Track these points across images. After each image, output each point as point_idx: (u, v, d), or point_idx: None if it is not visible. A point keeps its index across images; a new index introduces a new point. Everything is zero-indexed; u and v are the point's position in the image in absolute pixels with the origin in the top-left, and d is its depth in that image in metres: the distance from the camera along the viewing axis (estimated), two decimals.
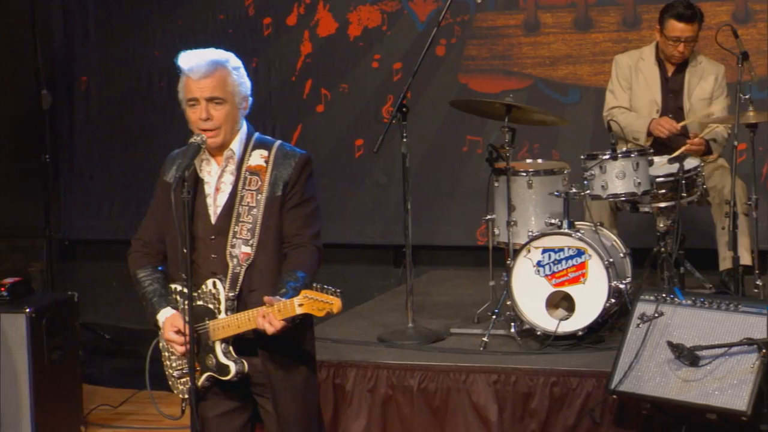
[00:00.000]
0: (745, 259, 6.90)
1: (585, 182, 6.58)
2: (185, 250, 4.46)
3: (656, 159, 6.64)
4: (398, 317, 7.21)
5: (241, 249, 4.54)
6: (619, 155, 6.50)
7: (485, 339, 6.52)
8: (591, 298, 6.38)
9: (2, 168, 9.50)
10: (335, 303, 4.30)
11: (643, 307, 5.68)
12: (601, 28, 8.39)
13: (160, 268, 4.74)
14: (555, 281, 6.44)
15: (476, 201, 8.58)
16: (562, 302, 6.57)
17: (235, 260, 4.54)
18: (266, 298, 4.40)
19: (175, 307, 4.64)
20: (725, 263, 6.99)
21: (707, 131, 7.01)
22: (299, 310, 4.33)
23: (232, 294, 4.53)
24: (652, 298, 5.67)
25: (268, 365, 4.58)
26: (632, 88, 7.24)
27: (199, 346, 4.54)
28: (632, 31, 8.32)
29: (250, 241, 4.53)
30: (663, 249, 6.78)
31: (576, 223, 6.60)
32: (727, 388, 5.31)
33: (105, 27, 9.44)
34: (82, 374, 7.10)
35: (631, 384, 5.58)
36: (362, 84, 8.89)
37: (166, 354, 4.73)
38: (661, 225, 6.77)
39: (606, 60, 8.35)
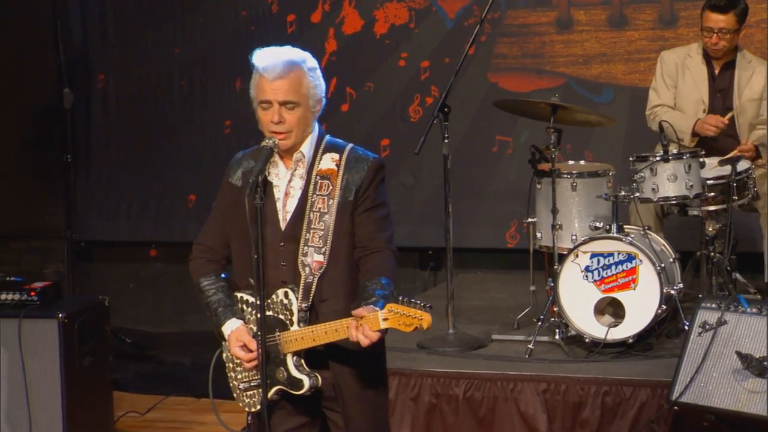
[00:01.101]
0: None
1: (634, 185, 6.39)
2: (256, 257, 4.27)
3: (707, 161, 6.46)
4: (435, 322, 7.00)
5: (313, 257, 4.35)
6: (671, 157, 6.31)
7: (531, 346, 6.34)
8: (642, 305, 6.21)
9: (23, 168, 9.27)
10: (425, 318, 4.11)
11: (705, 315, 5.50)
12: (637, 25, 8.20)
13: (223, 275, 4.55)
14: (604, 287, 6.27)
15: (506, 202, 8.44)
16: (607, 308, 6.40)
17: (307, 269, 4.35)
18: (358, 311, 4.20)
19: (241, 318, 4.45)
20: None
21: (756, 136, 6.84)
22: (383, 325, 4.14)
23: (305, 305, 4.35)
24: (714, 305, 5.49)
25: (340, 379, 4.40)
26: (678, 87, 7.06)
27: (268, 359, 4.35)
28: (669, 29, 8.14)
29: (323, 249, 4.35)
30: (713, 253, 6.60)
31: (624, 226, 6.41)
32: None
33: (123, 24, 9.22)
34: (112, 380, 6.90)
35: (694, 395, 5.41)
36: (388, 82, 8.69)
37: (231, 365, 4.55)
38: (710, 229, 6.60)
39: (641, 59, 8.20)
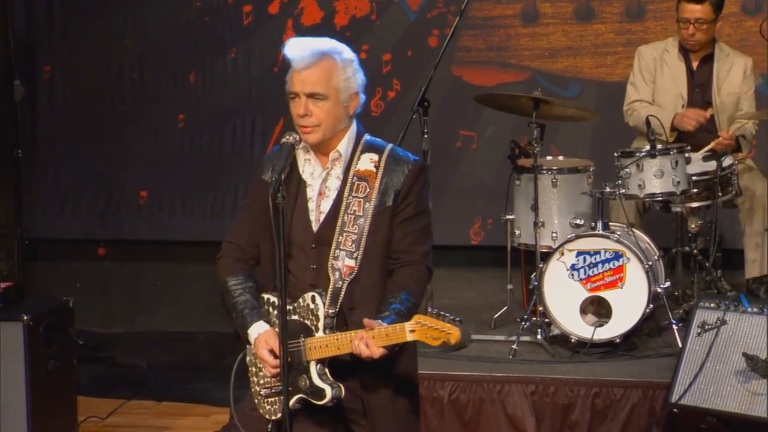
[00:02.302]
0: None
1: (619, 181, 6.25)
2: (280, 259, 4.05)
3: (692, 156, 6.35)
4: None
5: (344, 262, 4.12)
6: (657, 153, 6.18)
7: (515, 347, 6.18)
8: (629, 304, 6.08)
9: None
10: (453, 332, 3.92)
11: (704, 315, 5.39)
12: (604, 18, 8.09)
13: (251, 276, 4.33)
14: (590, 285, 6.14)
15: (470, 199, 8.28)
16: (589, 307, 6.26)
17: (337, 273, 4.12)
18: (366, 321, 4.01)
19: (268, 321, 4.23)
20: (752, 270, 6.71)
21: (735, 127, 6.73)
22: (410, 337, 3.94)
23: (332, 311, 4.12)
24: (713, 305, 5.38)
25: (367, 391, 4.19)
26: (656, 82, 6.93)
27: (291, 366, 4.12)
28: (636, 23, 8.03)
29: (355, 254, 4.12)
30: (696, 251, 6.49)
31: (610, 223, 6.28)
32: None
33: (71, 13, 8.89)
34: (77, 384, 6.63)
35: (694, 397, 5.30)
36: None
37: (254, 369, 4.34)
38: (693, 225, 6.49)
39: (608, 52, 8.10)
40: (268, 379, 4.24)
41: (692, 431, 5.51)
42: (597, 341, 6.10)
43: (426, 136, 6.33)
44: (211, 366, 8.03)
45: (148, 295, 8.92)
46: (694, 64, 6.94)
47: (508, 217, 6.61)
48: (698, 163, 6.40)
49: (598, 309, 6.22)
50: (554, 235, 6.44)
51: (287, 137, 4.15)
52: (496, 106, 6.81)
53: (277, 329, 4.18)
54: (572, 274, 6.13)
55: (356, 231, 4.12)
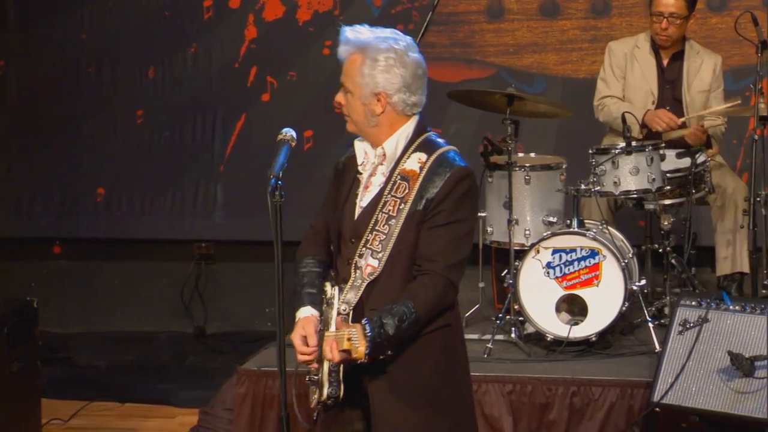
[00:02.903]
0: (745, 266, 6.64)
1: (594, 178, 6.20)
2: (333, 248, 4.07)
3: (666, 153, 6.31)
4: None
5: (367, 260, 3.99)
6: (633, 149, 6.13)
7: (490, 345, 6.12)
8: (605, 302, 6.04)
9: None
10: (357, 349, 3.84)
11: (685, 313, 5.35)
12: (569, 15, 8.04)
13: (322, 262, 4.21)
14: (566, 284, 6.09)
15: None
16: (561, 305, 6.20)
17: (358, 272, 4.00)
18: (337, 320, 3.92)
19: (318, 309, 4.09)
20: (724, 268, 6.68)
21: (708, 124, 6.71)
22: (347, 345, 3.85)
23: (344, 308, 3.99)
24: (694, 303, 5.33)
25: (373, 397, 4.05)
26: (626, 78, 6.89)
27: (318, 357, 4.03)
28: (601, 19, 7.99)
29: (379, 254, 3.98)
30: (669, 248, 6.46)
31: (585, 221, 6.23)
32: None
33: (26, 7, 8.71)
34: (41, 386, 6.48)
35: (677, 396, 5.25)
36: (312, 72, 8.36)
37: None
38: (665, 223, 6.44)
39: (573, 48, 8.05)
40: (311, 368, 4.11)
41: (673, 430, 5.45)
42: (573, 339, 6.04)
43: None
44: (173, 366, 7.92)
45: (106, 295, 8.77)
46: (665, 61, 6.90)
47: (480, 214, 6.53)
48: (672, 160, 6.37)
49: (571, 307, 6.16)
50: (527, 232, 6.38)
51: (283, 134, 4.05)
52: (469, 103, 6.73)
53: (321, 317, 4.07)
54: (548, 272, 6.08)
55: (386, 231, 3.97)
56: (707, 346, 5.23)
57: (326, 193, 4.31)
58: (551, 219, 6.36)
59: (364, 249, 4.00)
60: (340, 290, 4.02)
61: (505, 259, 6.40)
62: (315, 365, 4.07)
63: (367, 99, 3.99)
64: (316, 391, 4.07)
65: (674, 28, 6.74)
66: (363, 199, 4.07)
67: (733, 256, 6.64)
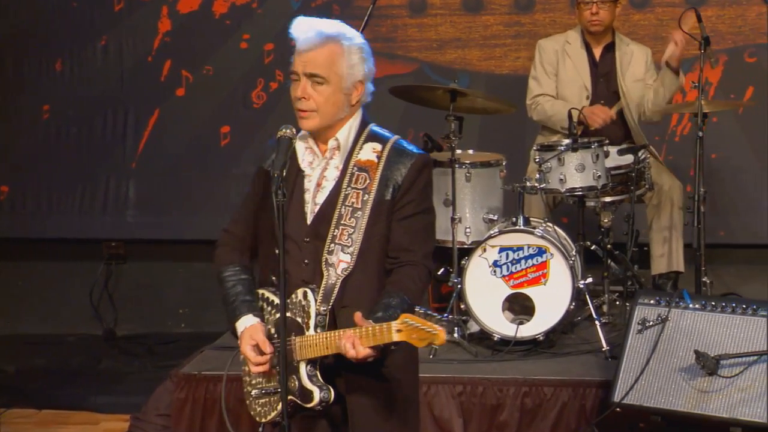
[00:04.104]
0: (681, 265, 6.63)
1: (539, 175, 6.12)
2: (277, 251, 3.83)
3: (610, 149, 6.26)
4: None
5: (338, 257, 3.87)
6: (579, 146, 6.06)
7: (435, 346, 5.99)
8: (552, 300, 5.97)
9: None
10: (439, 333, 3.69)
11: (643, 312, 5.28)
12: (492, 10, 7.95)
13: (247, 268, 4.07)
14: (513, 282, 6.00)
15: None
16: (505, 304, 6.11)
17: (331, 269, 3.87)
18: (357, 318, 3.77)
19: (259, 316, 3.96)
20: (659, 266, 6.66)
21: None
22: (396, 337, 3.69)
23: (324, 308, 3.87)
24: (652, 301, 5.27)
25: (351, 395, 3.93)
26: (559, 75, 6.82)
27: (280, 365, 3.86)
28: (525, 14, 7.92)
29: (350, 249, 3.87)
30: (609, 245, 6.41)
31: (531, 219, 6.15)
32: (753, 398, 4.97)
33: None
34: None
35: (638, 396, 5.18)
36: (229, 66, 8.15)
37: (245, 369, 4.05)
38: (606, 220, 6.42)
39: (497, 44, 7.97)
40: (260, 379, 3.97)
41: (631, 430, 5.40)
42: (520, 339, 5.95)
43: None
44: (87, 370, 7.64)
45: (10, 296, 8.45)
46: (597, 55, 6.86)
47: None
48: (614, 157, 6.32)
49: (516, 306, 6.08)
50: (468, 231, 6.29)
51: (284, 130, 3.88)
52: (410, 99, 6.60)
53: (268, 326, 3.97)
54: (495, 271, 5.98)
55: (353, 224, 3.88)
56: (668, 345, 5.17)
57: (245, 198, 4.17)
58: (491, 217, 6.28)
59: (332, 245, 3.90)
60: (313, 291, 3.88)
61: (443, 258, 6.28)
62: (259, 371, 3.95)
63: (350, 89, 3.91)
64: (267, 404, 3.94)
65: (605, 12, 6.72)
66: (317, 197, 3.97)
67: (669, 254, 6.62)
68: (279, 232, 3.72)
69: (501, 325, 5.99)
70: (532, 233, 5.96)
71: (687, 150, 7.72)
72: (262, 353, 3.91)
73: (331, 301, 3.88)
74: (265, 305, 4.00)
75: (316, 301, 3.87)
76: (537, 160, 6.12)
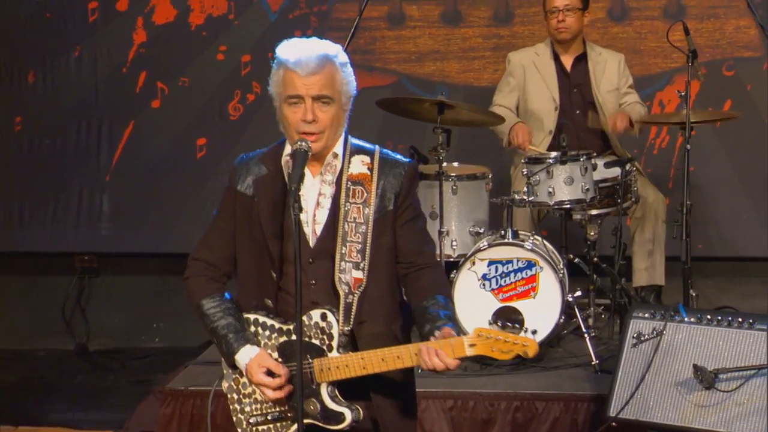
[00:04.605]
0: (661, 278, 6.63)
1: (527, 188, 6.08)
2: (274, 274, 3.83)
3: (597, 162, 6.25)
4: None
5: (351, 274, 3.84)
6: (568, 159, 6.04)
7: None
8: (542, 314, 5.92)
9: None
10: (530, 344, 3.66)
11: (638, 326, 5.24)
12: (471, 22, 7.93)
13: (227, 295, 3.99)
14: (502, 296, 5.96)
15: None
16: (493, 316, 6.06)
17: (346, 287, 3.83)
18: (446, 332, 3.77)
19: (256, 344, 3.89)
20: (641, 279, 6.64)
21: (625, 106, 6.69)
22: (470, 352, 3.67)
23: (347, 328, 3.84)
24: (647, 315, 5.24)
25: (380, 411, 3.91)
26: (527, 88, 6.80)
27: (295, 390, 3.80)
28: (504, 27, 7.91)
29: (361, 264, 3.85)
30: (596, 258, 6.39)
31: (519, 232, 6.12)
32: (751, 413, 4.94)
33: None
34: None
35: (634, 410, 5.14)
36: (205, 77, 8.09)
37: (236, 396, 3.98)
38: (592, 233, 6.38)
39: (476, 57, 7.96)
40: (258, 406, 3.90)
41: None
42: None
43: None
44: (62, 386, 7.52)
45: None
46: (568, 66, 6.84)
47: None
48: (600, 170, 6.30)
49: (505, 320, 6.03)
50: (454, 244, 6.26)
51: (299, 144, 3.81)
52: (396, 111, 6.53)
53: (268, 351, 3.93)
54: (484, 284, 5.94)
55: (359, 240, 3.87)
56: (664, 359, 5.14)
57: (214, 222, 4.09)
58: (478, 230, 6.24)
59: (343, 263, 3.87)
60: (332, 312, 3.84)
61: None
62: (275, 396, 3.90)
63: (346, 104, 3.95)
64: (273, 429, 3.90)
65: (571, 20, 6.72)
66: (318, 216, 3.94)
67: (651, 267, 6.61)
68: (297, 249, 3.65)
69: None
70: (521, 246, 5.93)
71: (665, 163, 7.76)
72: (274, 375, 3.86)
73: (351, 319, 3.86)
74: (260, 330, 3.94)
75: (338, 321, 3.83)
76: (525, 172, 6.09)
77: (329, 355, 3.83)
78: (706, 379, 4.98)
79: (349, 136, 4.00)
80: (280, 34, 7.78)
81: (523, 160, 6.19)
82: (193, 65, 8.07)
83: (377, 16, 7.99)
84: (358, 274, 3.86)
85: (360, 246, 3.86)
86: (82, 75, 8.14)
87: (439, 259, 4.06)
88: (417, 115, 6.37)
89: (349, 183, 3.91)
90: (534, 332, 3.81)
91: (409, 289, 3.94)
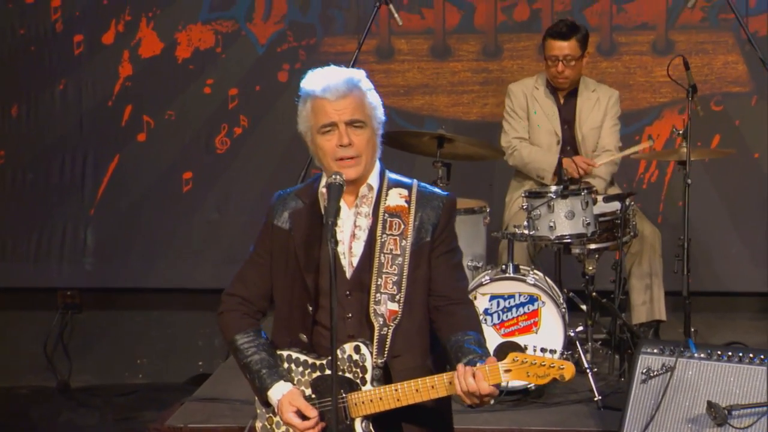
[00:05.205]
0: (663, 313, 6.60)
1: (527, 222, 6.05)
2: (310, 308, 3.79)
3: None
4: None
5: (387, 306, 3.78)
6: (569, 193, 6.01)
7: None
8: (544, 349, 5.86)
9: None
10: (567, 368, 3.59)
11: (647, 361, 5.20)
12: (460, 56, 7.91)
13: (261, 332, 3.96)
14: (504, 331, 5.91)
15: None
16: (494, 352, 6.00)
17: (381, 320, 3.78)
18: (490, 360, 3.73)
19: (289, 380, 3.82)
20: (640, 314, 6.61)
21: (604, 160, 6.67)
22: (506, 377, 3.62)
23: (381, 361, 3.78)
24: (656, 350, 5.20)
25: None
26: (530, 119, 6.78)
27: (329, 426, 3.75)
28: (493, 61, 7.89)
29: (397, 297, 3.80)
30: (594, 293, 6.36)
31: (520, 267, 6.08)
32: None
33: None
34: None
35: None
36: (192, 111, 8.02)
37: None
38: (590, 268, 6.35)
39: (464, 91, 7.95)
40: None
41: None
42: (512, 389, 5.85)
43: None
44: (46, 424, 7.43)
45: None
46: (561, 101, 6.83)
47: None
48: (600, 204, 6.27)
49: (504, 355, 5.96)
50: None
51: (334, 177, 3.76)
52: (395, 145, 6.47)
53: (301, 388, 3.86)
54: (485, 319, 5.89)
55: (395, 272, 3.81)
56: (674, 396, 5.10)
57: (251, 257, 4.02)
58: (476, 264, 6.20)
59: (378, 296, 3.82)
60: (366, 345, 3.79)
61: None
62: None
63: (379, 129, 3.93)
64: None
65: (570, 70, 6.69)
66: (354, 248, 3.90)
67: (650, 302, 6.58)
68: (332, 283, 3.60)
69: None
70: (524, 281, 5.89)
71: (655, 197, 7.76)
72: (305, 418, 3.80)
73: (385, 352, 3.80)
74: (293, 366, 3.90)
75: (372, 354, 3.77)
76: (525, 206, 6.05)
77: (363, 388, 3.77)
78: (720, 415, 4.94)
79: (386, 170, 3.97)
80: (267, 67, 7.88)
81: (523, 194, 6.15)
82: (180, 98, 8.00)
83: (366, 50, 7.91)
84: (394, 306, 3.81)
85: (396, 278, 3.81)
86: (67, 108, 8.06)
87: (469, 297, 3.96)
88: (415, 149, 6.34)
89: (386, 215, 3.86)
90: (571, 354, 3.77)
91: (440, 323, 3.88)
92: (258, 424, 3.94)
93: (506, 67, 7.86)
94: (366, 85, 3.89)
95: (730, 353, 5.09)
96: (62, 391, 8.07)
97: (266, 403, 3.89)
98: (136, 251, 8.09)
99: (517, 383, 5.76)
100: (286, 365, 3.89)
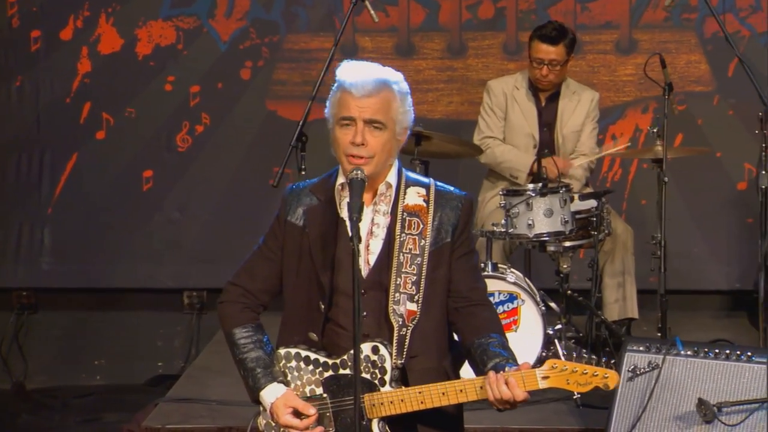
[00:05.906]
0: (635, 311, 6.61)
1: (506, 220, 6.02)
2: (323, 306, 3.74)
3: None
4: None
5: (405, 306, 3.74)
6: (548, 191, 5.99)
7: None
8: (523, 347, 5.84)
9: None
10: (612, 376, 3.55)
11: (633, 359, 5.19)
12: (424, 54, 7.88)
13: (260, 328, 3.90)
14: None
15: None
16: None
17: (400, 320, 3.73)
18: (524, 365, 3.74)
19: (284, 383, 3.78)
20: (613, 312, 6.61)
21: (579, 161, 6.67)
22: (543, 384, 3.58)
23: (400, 361, 3.74)
24: (642, 348, 5.19)
25: None
26: (508, 118, 6.75)
27: (345, 426, 3.71)
28: (457, 59, 7.86)
29: (416, 297, 3.76)
30: (569, 291, 6.35)
31: (499, 265, 6.05)
32: None
33: None
34: None
35: None
36: (153, 108, 7.90)
37: None
38: (565, 266, 6.35)
39: (429, 89, 7.91)
40: None
41: None
42: None
43: (303, 173, 5.88)
44: (3, 427, 7.27)
45: None
46: (542, 103, 6.81)
47: None
48: (576, 202, 6.26)
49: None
50: None
51: (355, 173, 3.71)
52: None
53: (311, 386, 3.83)
54: None
55: (414, 271, 3.77)
56: (662, 393, 5.09)
57: (260, 251, 3.96)
58: None
59: (397, 295, 3.78)
60: (385, 345, 3.75)
61: None
62: None
63: (400, 134, 3.86)
64: None
65: (554, 75, 6.68)
66: (371, 246, 3.86)
67: (623, 300, 6.58)
68: (355, 280, 3.54)
69: (471, 374, 5.84)
70: (503, 279, 5.87)
71: (618, 196, 7.77)
72: (301, 416, 3.76)
73: (404, 352, 3.76)
74: (302, 365, 3.83)
75: (391, 355, 3.72)
76: (503, 204, 6.03)
77: (381, 389, 3.72)
78: (709, 412, 4.94)
79: (404, 169, 3.93)
80: (230, 64, 7.80)
81: (500, 192, 6.13)
82: (140, 96, 7.89)
83: (329, 47, 7.83)
84: (413, 307, 3.77)
85: (415, 278, 3.77)
86: (24, 106, 7.91)
87: (488, 299, 3.92)
88: None
89: (405, 214, 3.82)
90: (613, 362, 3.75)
91: (461, 324, 3.85)
92: (262, 421, 3.87)
93: (471, 65, 7.84)
94: (401, 88, 3.85)
95: (717, 350, 5.09)
96: (17, 392, 7.90)
97: (256, 402, 3.83)
98: (94, 251, 7.96)
99: None
100: (294, 363, 3.83)
